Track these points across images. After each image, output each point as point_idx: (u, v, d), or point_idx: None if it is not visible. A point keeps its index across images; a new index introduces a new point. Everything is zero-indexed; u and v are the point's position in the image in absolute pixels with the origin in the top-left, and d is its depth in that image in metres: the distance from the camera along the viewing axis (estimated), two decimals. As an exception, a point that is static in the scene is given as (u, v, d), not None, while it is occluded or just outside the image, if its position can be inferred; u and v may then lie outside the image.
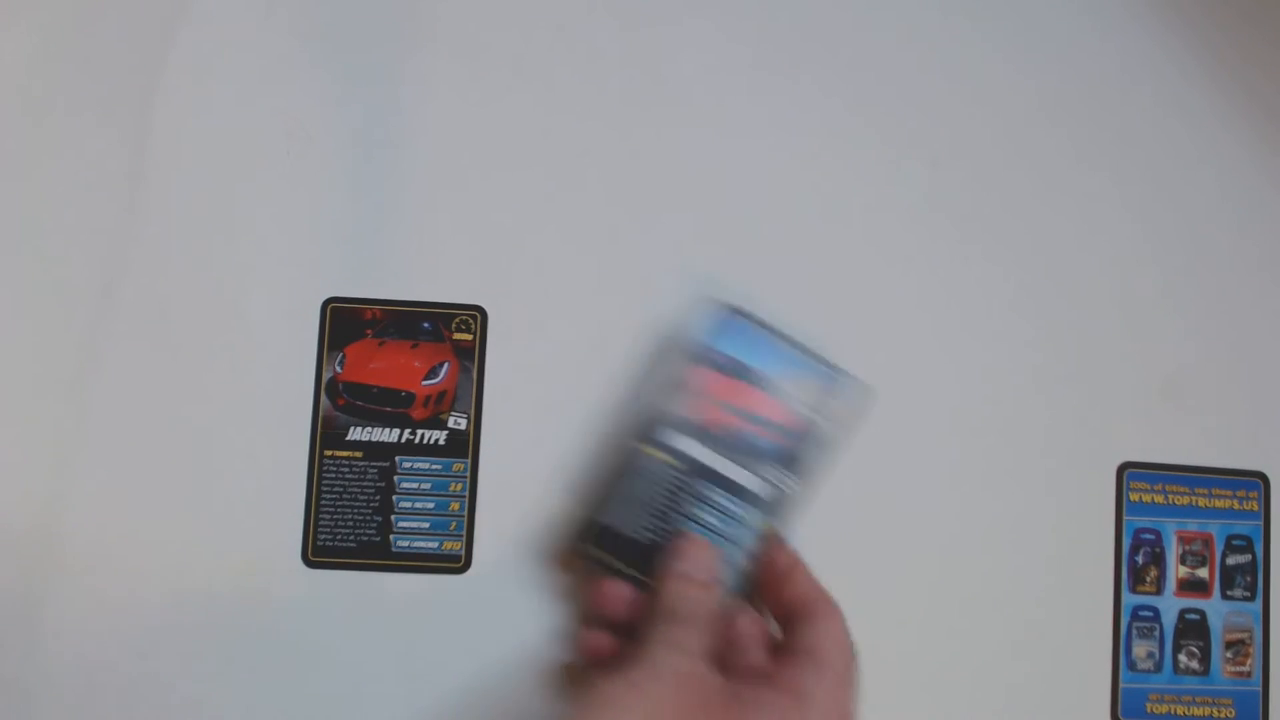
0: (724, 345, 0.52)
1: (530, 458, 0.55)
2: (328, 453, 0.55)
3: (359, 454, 0.56)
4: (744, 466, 0.51)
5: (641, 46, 0.59)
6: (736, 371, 0.52)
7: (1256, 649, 0.57)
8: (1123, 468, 0.58)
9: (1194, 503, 0.58)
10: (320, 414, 0.56)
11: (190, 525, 0.54)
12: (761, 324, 0.53)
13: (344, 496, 0.55)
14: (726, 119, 0.59)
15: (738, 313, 0.53)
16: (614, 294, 0.57)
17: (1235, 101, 0.61)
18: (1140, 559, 0.57)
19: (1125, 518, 0.57)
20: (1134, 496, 0.58)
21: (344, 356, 0.56)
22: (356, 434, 0.56)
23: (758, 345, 0.52)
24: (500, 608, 0.55)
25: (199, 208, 0.55)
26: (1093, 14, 0.61)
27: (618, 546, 0.50)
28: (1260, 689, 0.57)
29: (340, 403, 0.56)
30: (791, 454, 0.51)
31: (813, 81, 0.59)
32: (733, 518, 0.50)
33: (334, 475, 0.55)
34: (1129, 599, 0.57)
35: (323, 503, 0.55)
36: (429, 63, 0.57)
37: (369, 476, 0.55)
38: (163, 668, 0.52)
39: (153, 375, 0.54)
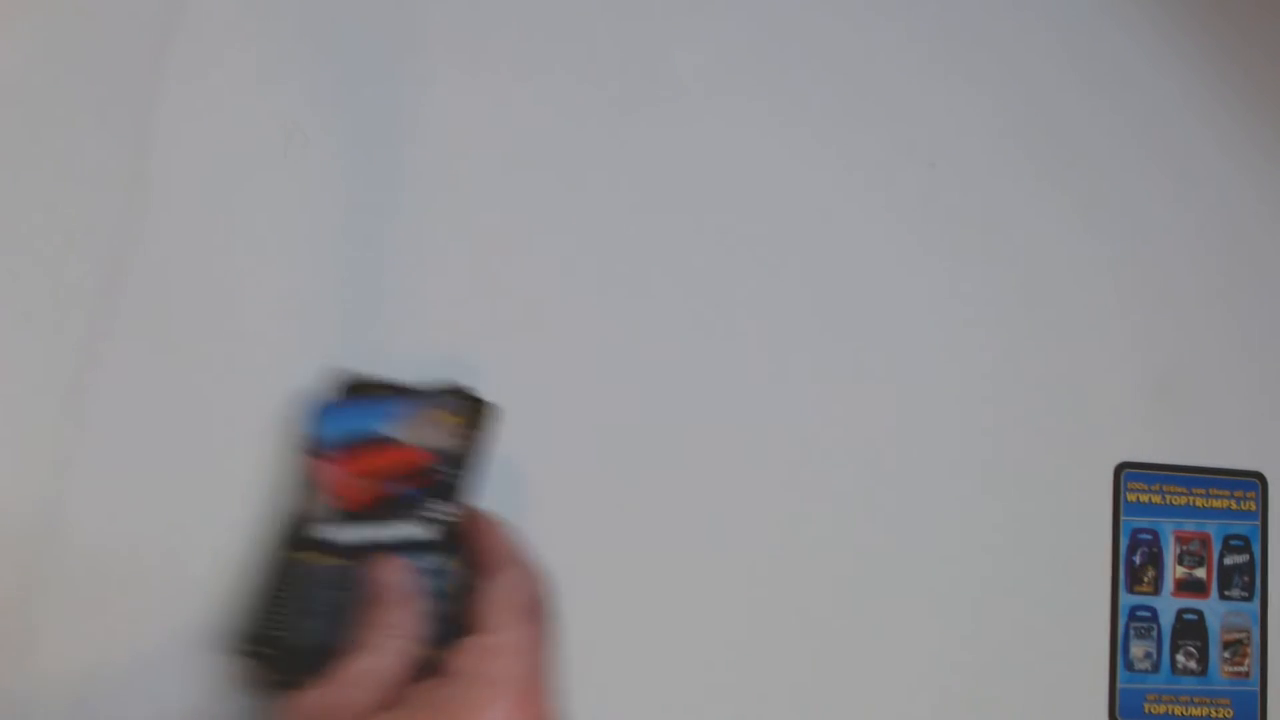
0: (329, 427, 0.51)
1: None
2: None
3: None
4: (406, 522, 0.49)
5: (641, 47, 0.59)
6: (354, 442, 0.50)
7: (1254, 649, 0.57)
8: (1120, 468, 0.58)
9: (1191, 503, 0.58)
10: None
11: (189, 527, 0.54)
12: (357, 385, 0.52)
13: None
14: (725, 119, 0.59)
15: (331, 390, 0.52)
16: (613, 295, 0.57)
17: (1235, 102, 0.61)
18: (1138, 559, 0.57)
19: (1123, 518, 0.57)
20: (1131, 497, 0.58)
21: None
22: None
23: (362, 409, 0.51)
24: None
25: (198, 209, 0.56)
26: (1093, 14, 0.62)
27: (292, 659, 0.47)
28: (1258, 689, 0.57)
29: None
30: (446, 485, 0.49)
31: (810, 83, 0.59)
32: (421, 571, 0.47)
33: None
34: (1126, 599, 0.57)
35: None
36: (428, 64, 0.58)
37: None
38: (161, 671, 0.53)
39: (152, 376, 0.54)
